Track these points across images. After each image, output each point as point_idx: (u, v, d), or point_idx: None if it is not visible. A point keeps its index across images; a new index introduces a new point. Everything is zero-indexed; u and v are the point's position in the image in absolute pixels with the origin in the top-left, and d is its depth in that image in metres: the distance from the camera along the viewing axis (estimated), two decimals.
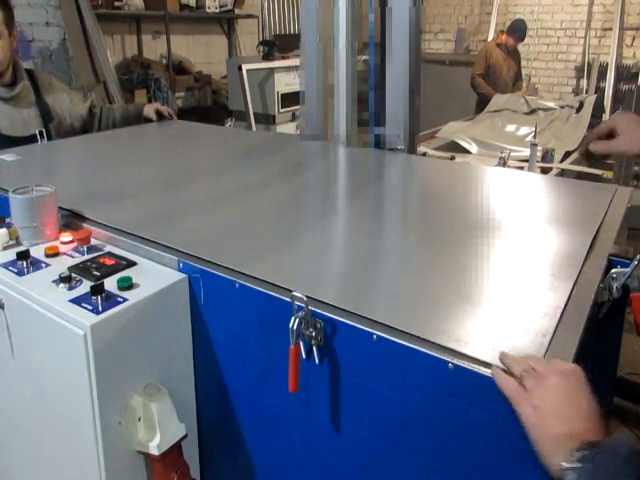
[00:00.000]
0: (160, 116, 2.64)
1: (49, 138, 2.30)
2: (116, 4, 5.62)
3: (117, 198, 1.58)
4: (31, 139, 2.27)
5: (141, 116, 2.63)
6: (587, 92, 6.98)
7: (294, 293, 0.96)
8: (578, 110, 4.51)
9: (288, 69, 5.07)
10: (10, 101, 2.31)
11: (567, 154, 3.65)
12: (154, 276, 1.15)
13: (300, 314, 0.95)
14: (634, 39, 7.26)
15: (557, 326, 0.91)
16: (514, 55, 6.04)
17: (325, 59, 2.21)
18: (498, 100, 4.83)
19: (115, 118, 2.63)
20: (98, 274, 1.14)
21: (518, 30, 5.89)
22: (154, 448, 1.07)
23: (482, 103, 5.59)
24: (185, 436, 1.12)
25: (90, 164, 2.04)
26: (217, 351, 1.15)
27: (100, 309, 1.03)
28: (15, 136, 2.29)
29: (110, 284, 1.10)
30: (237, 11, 6.87)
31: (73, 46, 5.09)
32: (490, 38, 7.63)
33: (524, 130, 4.04)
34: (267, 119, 5.08)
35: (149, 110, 2.63)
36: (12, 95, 2.31)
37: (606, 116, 6.84)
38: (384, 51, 2.06)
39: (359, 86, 2.22)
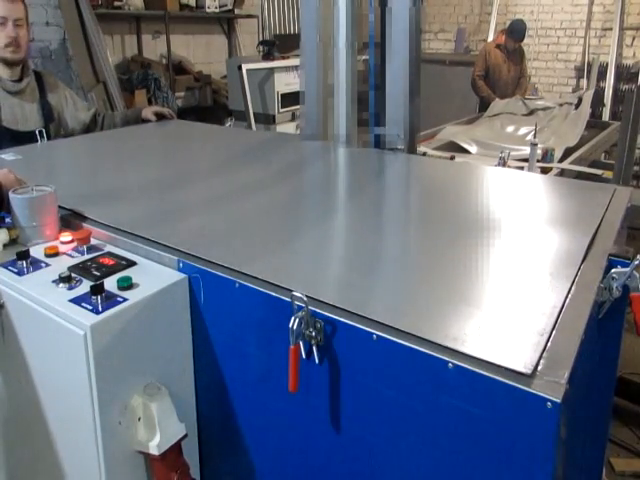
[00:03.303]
0: (160, 117, 2.67)
1: (48, 138, 2.34)
2: (116, 4, 5.61)
3: (117, 198, 1.58)
4: (31, 135, 2.30)
5: (139, 119, 2.68)
6: None
7: (294, 293, 0.96)
8: (577, 106, 4.51)
9: (288, 69, 5.07)
10: (16, 95, 2.37)
11: (567, 152, 3.65)
12: (154, 276, 1.15)
13: (300, 314, 0.95)
14: (634, 39, 7.25)
15: (555, 325, 0.91)
16: (515, 55, 6.02)
17: (325, 59, 2.21)
18: (496, 105, 4.82)
19: (116, 124, 2.68)
20: (98, 274, 1.14)
21: (517, 31, 5.87)
22: (154, 448, 1.07)
23: (484, 103, 5.59)
24: (185, 436, 1.12)
25: (90, 164, 2.04)
26: (217, 351, 1.15)
27: (100, 309, 1.03)
28: (17, 130, 2.34)
29: (110, 284, 1.10)
30: (237, 11, 6.86)
31: (73, 46, 5.09)
32: (490, 38, 7.63)
33: (523, 130, 4.04)
34: (267, 119, 5.08)
35: (147, 112, 2.68)
36: (18, 89, 2.37)
37: (606, 111, 6.85)
38: (384, 51, 2.06)
39: (359, 86, 2.22)
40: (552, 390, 0.77)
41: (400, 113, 2.05)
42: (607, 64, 7.24)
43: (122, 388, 1.07)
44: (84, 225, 1.36)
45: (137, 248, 1.25)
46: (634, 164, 4.23)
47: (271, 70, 5.00)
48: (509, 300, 1.01)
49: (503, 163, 2.96)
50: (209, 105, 6.57)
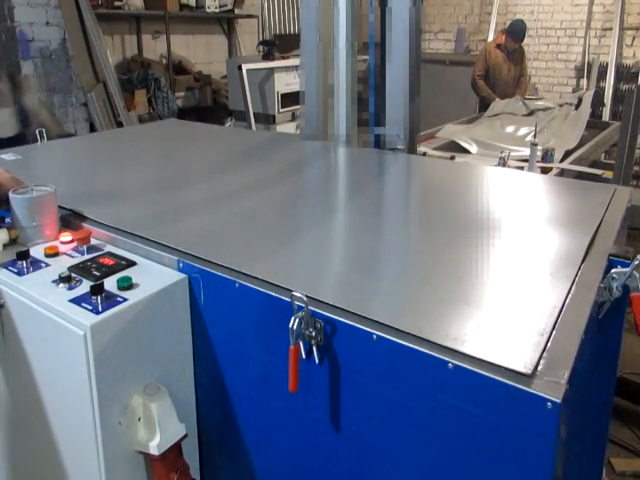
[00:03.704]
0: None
1: (27, 142, 2.19)
2: (116, 4, 5.62)
3: (117, 198, 1.58)
4: (8, 141, 2.22)
5: None
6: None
7: (294, 293, 0.96)
8: (577, 106, 4.51)
9: (288, 69, 5.08)
10: None
11: (567, 152, 3.66)
12: (154, 276, 1.15)
13: (300, 314, 0.95)
14: (634, 39, 7.25)
15: (555, 325, 0.91)
16: (515, 55, 6.02)
17: (325, 59, 2.21)
18: (496, 106, 4.82)
19: None
20: (98, 274, 1.14)
21: (516, 32, 5.87)
22: (154, 448, 1.07)
23: (484, 103, 5.59)
24: (185, 436, 1.12)
25: (90, 164, 2.03)
26: (217, 351, 1.15)
27: (100, 309, 1.03)
28: None
29: (110, 284, 1.10)
30: (237, 11, 6.87)
31: (73, 46, 5.09)
32: (490, 38, 7.63)
33: (523, 130, 4.04)
34: (267, 119, 5.09)
35: None
36: None
37: (606, 111, 6.85)
38: (384, 51, 2.06)
39: (359, 86, 2.22)
40: (552, 390, 0.77)
41: (400, 113, 2.05)
42: (607, 64, 7.24)
43: (122, 388, 1.07)
44: (84, 225, 1.36)
45: (137, 248, 1.25)
46: (634, 164, 4.24)
47: (271, 70, 5.01)
48: (509, 300, 1.01)
49: (503, 163, 2.96)
50: (209, 105, 6.58)
